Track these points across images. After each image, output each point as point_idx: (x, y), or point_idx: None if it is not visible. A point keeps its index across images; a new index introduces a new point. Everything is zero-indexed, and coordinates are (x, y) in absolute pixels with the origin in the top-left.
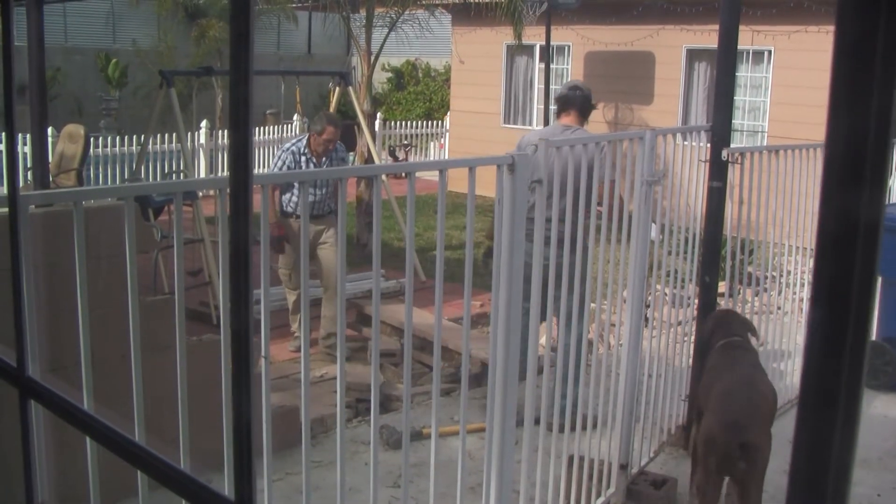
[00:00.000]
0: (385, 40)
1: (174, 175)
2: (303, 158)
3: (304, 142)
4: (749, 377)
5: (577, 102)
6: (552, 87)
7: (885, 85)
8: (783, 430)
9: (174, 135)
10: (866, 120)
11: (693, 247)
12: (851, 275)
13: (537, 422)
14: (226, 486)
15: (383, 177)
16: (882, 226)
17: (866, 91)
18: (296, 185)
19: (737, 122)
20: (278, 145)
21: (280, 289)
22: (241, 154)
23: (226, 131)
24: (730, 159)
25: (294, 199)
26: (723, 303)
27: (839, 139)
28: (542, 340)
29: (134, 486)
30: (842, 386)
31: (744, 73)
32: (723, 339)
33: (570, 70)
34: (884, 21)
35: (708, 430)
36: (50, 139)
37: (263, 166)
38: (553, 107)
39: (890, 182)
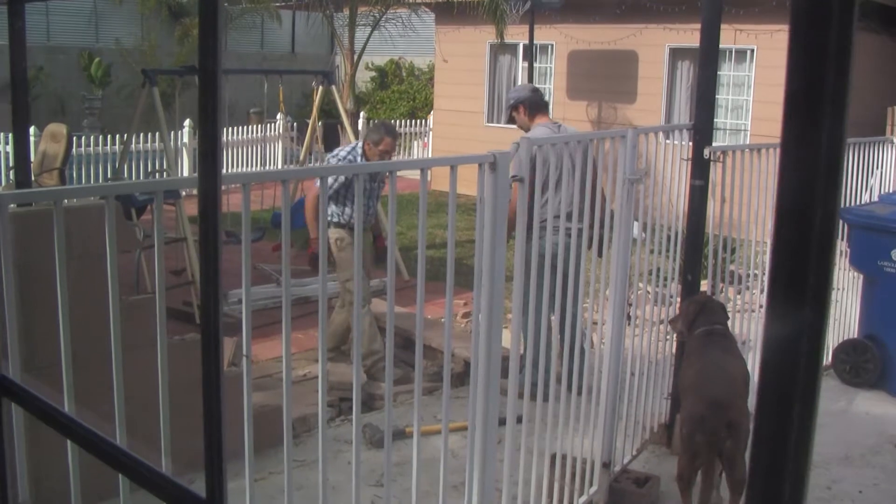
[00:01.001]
0: (368, 39)
1: (157, 174)
2: None
3: (360, 150)
4: (725, 360)
5: (545, 103)
6: (536, 85)
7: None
8: None
9: (157, 134)
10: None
11: (675, 245)
12: (807, 272)
13: (519, 420)
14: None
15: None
16: (837, 226)
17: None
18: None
19: (719, 120)
20: (261, 144)
21: (261, 288)
22: (209, 154)
23: None
24: (712, 157)
25: (348, 210)
26: None
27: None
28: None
29: (115, 486)
30: (798, 385)
31: (726, 71)
32: (704, 327)
33: (553, 69)
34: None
35: (694, 410)
36: (32, 138)
37: (247, 165)
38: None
39: (871, 181)
